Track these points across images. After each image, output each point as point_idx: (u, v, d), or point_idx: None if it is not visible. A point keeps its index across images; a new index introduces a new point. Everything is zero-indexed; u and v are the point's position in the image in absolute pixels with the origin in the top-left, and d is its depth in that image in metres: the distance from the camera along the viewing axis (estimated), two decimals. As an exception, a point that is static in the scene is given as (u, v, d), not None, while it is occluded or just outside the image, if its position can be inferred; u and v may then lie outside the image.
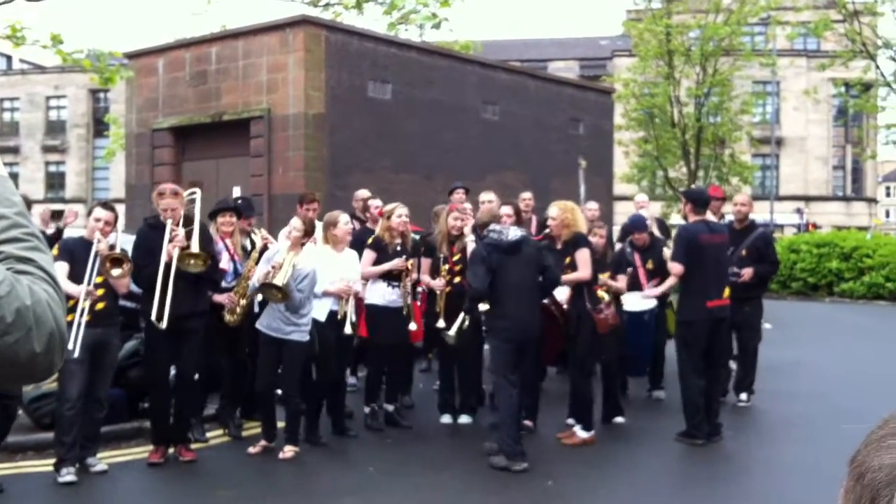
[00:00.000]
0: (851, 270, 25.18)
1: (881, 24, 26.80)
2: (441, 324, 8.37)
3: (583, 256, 7.95)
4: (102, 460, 7.08)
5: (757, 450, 7.94)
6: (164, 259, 7.00)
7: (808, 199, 45.52)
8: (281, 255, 7.48)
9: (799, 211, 43.28)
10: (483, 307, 7.45)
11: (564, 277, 7.99)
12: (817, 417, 9.05)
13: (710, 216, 8.53)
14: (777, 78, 37.22)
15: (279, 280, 7.27)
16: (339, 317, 8.03)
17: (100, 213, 6.95)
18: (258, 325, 7.62)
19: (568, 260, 7.97)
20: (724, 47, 28.82)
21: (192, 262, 7.11)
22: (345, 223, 8.14)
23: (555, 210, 8.09)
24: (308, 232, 7.68)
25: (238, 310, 7.92)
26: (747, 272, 9.29)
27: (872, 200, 48.97)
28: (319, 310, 7.88)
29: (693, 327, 7.99)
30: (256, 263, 7.85)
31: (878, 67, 25.72)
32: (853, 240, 25.96)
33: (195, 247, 7.18)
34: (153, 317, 6.95)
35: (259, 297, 7.89)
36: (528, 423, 8.20)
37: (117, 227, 7.22)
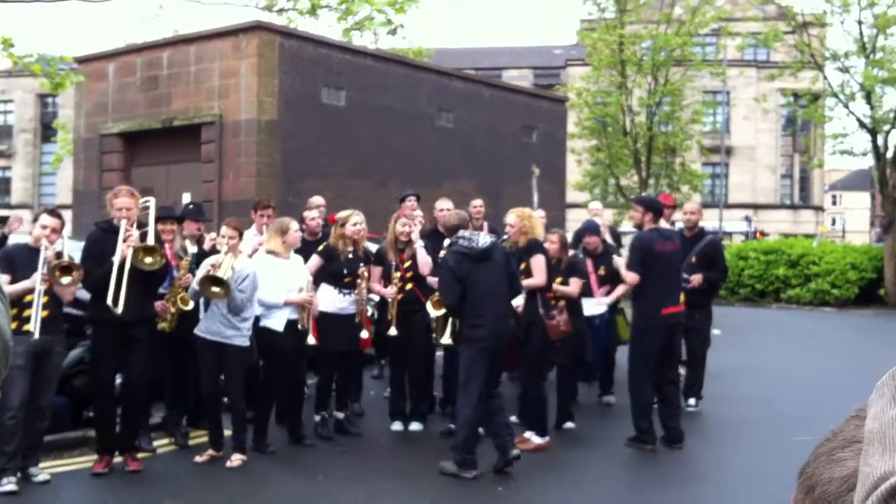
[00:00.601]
0: (798, 277, 25.60)
1: (829, 35, 27.29)
2: (393, 331, 8.35)
3: (538, 263, 7.98)
4: (45, 470, 6.93)
5: (706, 454, 8.03)
6: (117, 259, 6.88)
7: (756, 206, 46.17)
8: (219, 257, 7.43)
9: (747, 219, 43.89)
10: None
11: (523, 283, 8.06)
12: (764, 423, 9.17)
13: (662, 224, 8.61)
14: (727, 88, 37.74)
15: (221, 273, 7.21)
16: (299, 326, 7.97)
17: (46, 219, 6.83)
18: (196, 330, 7.52)
19: (523, 266, 8.00)
20: (675, 57, 29.16)
21: (147, 259, 6.99)
22: (295, 230, 8.10)
23: (513, 217, 8.11)
24: (241, 233, 7.63)
25: (169, 316, 7.81)
26: (696, 279, 9.40)
27: (819, 208, 49.82)
28: (277, 319, 7.83)
29: (648, 334, 8.03)
30: (189, 271, 7.78)
31: (825, 78, 26.17)
32: (800, 247, 26.40)
33: (150, 240, 7.11)
34: (109, 301, 6.81)
35: (189, 305, 7.81)
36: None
37: (63, 234, 7.10)
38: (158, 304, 7.71)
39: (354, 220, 8.42)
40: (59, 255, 6.78)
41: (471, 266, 7.18)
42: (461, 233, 7.40)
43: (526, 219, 8.10)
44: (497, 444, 7.16)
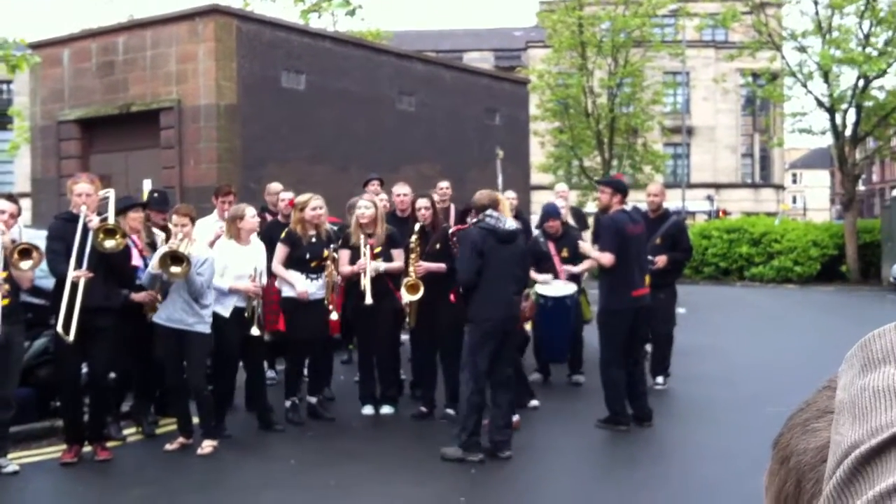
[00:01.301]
0: (761, 255, 25.90)
1: (786, 15, 27.52)
2: (368, 300, 8.25)
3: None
4: (13, 461, 6.83)
5: (673, 432, 8.07)
6: (68, 283, 6.73)
7: (718, 186, 46.56)
8: (174, 242, 7.31)
9: (710, 198, 44.26)
10: None
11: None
12: (728, 400, 9.25)
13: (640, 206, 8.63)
14: (686, 68, 37.96)
15: (183, 248, 7.10)
16: (246, 314, 7.88)
17: (3, 204, 6.70)
18: (155, 318, 7.43)
19: None
20: (634, 38, 29.30)
21: (108, 242, 6.86)
22: (251, 216, 8.00)
23: (508, 197, 8.13)
24: (193, 219, 7.53)
25: (158, 306, 7.71)
26: (661, 259, 9.43)
27: (780, 187, 50.34)
28: (225, 305, 7.75)
29: (618, 316, 8.02)
30: None
31: (783, 57, 26.40)
32: (762, 225, 26.71)
33: (111, 220, 7.00)
34: (59, 328, 6.71)
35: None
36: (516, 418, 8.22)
37: (19, 222, 6.96)
38: (145, 295, 7.61)
39: (313, 205, 8.34)
40: (14, 241, 6.64)
41: (493, 245, 7.14)
42: (490, 212, 7.29)
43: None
44: (491, 439, 7.12)
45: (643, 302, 8.21)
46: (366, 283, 8.31)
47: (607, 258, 7.96)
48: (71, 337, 6.72)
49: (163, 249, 7.29)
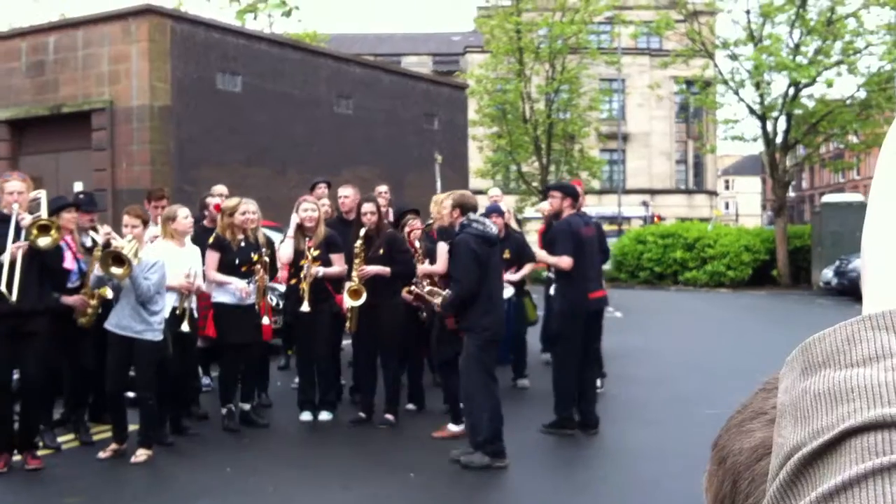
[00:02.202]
0: (695, 260, 26.32)
1: (719, 23, 28.01)
2: (305, 307, 8.17)
3: (442, 249, 7.96)
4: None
5: (609, 433, 8.12)
6: (7, 255, 6.55)
7: (653, 192, 47.23)
8: (121, 243, 7.16)
9: (645, 204, 44.87)
10: None
11: (421, 269, 8.02)
12: (664, 401, 9.37)
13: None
14: (622, 76, 38.46)
15: (128, 251, 6.94)
16: (177, 312, 7.76)
17: None
18: (107, 325, 7.25)
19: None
20: (571, 45, 29.59)
21: (41, 240, 6.67)
22: (184, 217, 7.86)
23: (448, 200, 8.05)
24: (145, 221, 7.39)
25: (90, 310, 7.53)
26: None
27: (713, 193, 51.27)
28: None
29: (575, 319, 8.01)
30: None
31: (716, 65, 26.89)
32: (696, 231, 27.15)
33: (44, 215, 6.82)
34: (2, 287, 6.49)
35: (109, 294, 7.52)
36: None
37: None
38: (76, 299, 7.42)
39: (243, 209, 8.22)
40: None
41: (487, 251, 7.08)
42: (471, 216, 7.19)
43: (435, 206, 8.18)
44: (479, 443, 7.07)
45: (600, 305, 8.29)
46: (304, 287, 8.22)
47: (566, 262, 7.92)
48: (14, 296, 6.52)
49: (105, 252, 7.11)
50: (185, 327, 7.76)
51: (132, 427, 7.43)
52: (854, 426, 0.51)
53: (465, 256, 7.00)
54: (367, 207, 8.38)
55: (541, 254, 8.97)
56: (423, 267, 8.05)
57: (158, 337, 7.27)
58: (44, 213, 7.08)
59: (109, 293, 7.49)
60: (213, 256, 8.17)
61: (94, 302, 7.52)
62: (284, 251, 8.43)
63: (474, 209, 7.35)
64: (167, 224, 7.83)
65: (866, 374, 0.52)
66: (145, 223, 7.39)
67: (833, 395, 0.53)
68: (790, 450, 0.54)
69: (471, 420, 7.13)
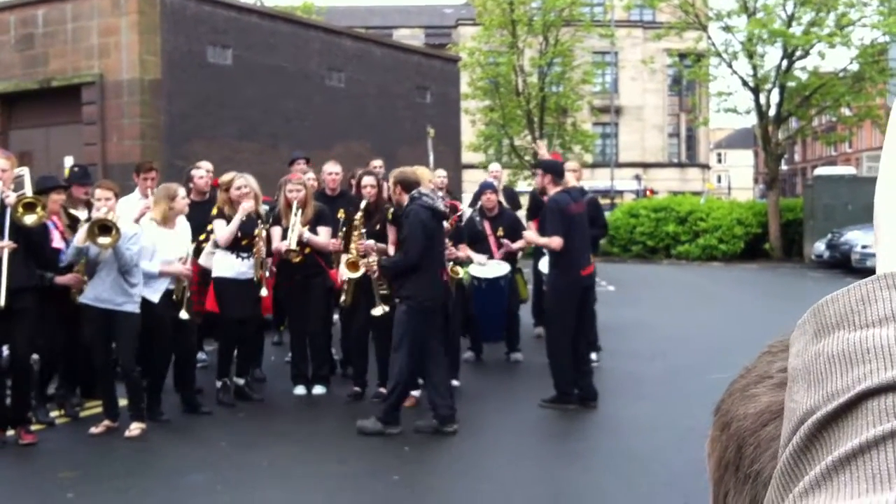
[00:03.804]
0: (687, 233, 26.35)
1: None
2: (290, 244, 8.15)
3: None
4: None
5: (603, 407, 8.15)
6: None
7: (645, 165, 47.22)
8: (99, 215, 7.07)
9: (637, 177, 44.87)
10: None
11: (369, 245, 8.13)
12: (658, 373, 9.41)
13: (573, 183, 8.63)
14: (615, 48, 38.30)
15: (111, 217, 6.90)
16: (174, 297, 7.73)
17: None
18: (82, 298, 7.22)
19: None
20: (564, 18, 29.45)
21: (27, 217, 6.63)
22: (182, 196, 7.81)
23: (438, 176, 8.13)
24: (117, 194, 7.32)
25: (84, 287, 7.49)
26: None
27: (705, 166, 51.27)
28: (154, 289, 7.56)
29: (566, 296, 8.01)
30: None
31: (709, 38, 26.80)
32: (688, 204, 27.16)
33: (28, 192, 6.78)
34: None
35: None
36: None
37: None
38: (70, 277, 7.39)
39: (237, 184, 8.21)
40: None
41: (434, 225, 7.20)
42: (422, 189, 7.29)
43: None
44: (438, 414, 7.15)
45: (591, 281, 8.31)
46: (292, 236, 8.18)
47: (556, 242, 7.88)
48: (1, 301, 6.51)
49: (87, 225, 7.06)
50: (183, 314, 7.74)
51: (124, 402, 7.43)
52: (870, 388, 0.50)
53: (415, 226, 7.14)
54: (368, 181, 8.37)
55: (530, 234, 8.94)
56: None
57: (137, 309, 7.24)
58: (28, 190, 7.02)
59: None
60: (221, 224, 8.17)
61: (86, 278, 7.49)
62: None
63: (416, 184, 7.39)
64: (164, 203, 7.69)
65: (882, 335, 0.51)
66: (117, 196, 7.33)
67: (847, 356, 0.52)
68: (804, 414, 0.53)
69: (391, 385, 7.29)
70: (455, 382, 8.66)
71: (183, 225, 7.91)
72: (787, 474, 0.52)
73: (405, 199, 7.29)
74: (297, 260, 8.27)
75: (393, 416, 7.12)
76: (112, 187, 7.34)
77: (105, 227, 6.90)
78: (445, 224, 7.80)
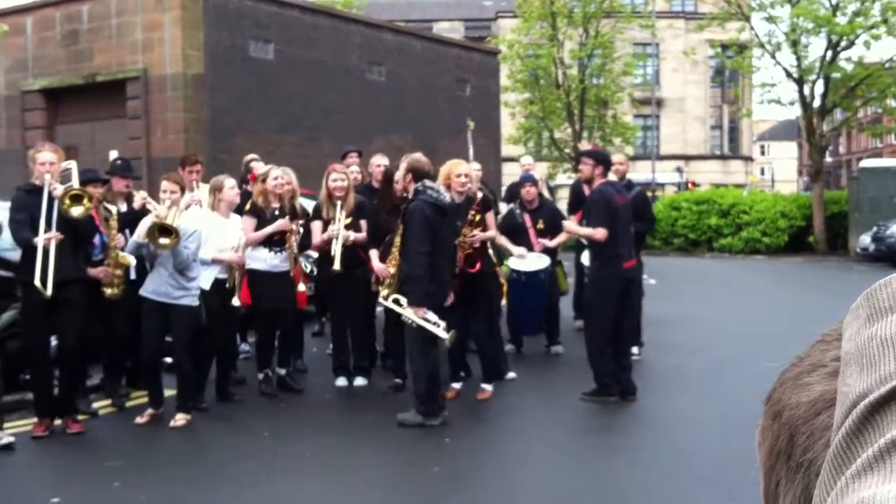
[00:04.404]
0: (730, 226, 26.07)
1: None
2: (337, 266, 8.18)
3: (491, 217, 8.12)
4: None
5: (645, 400, 8.11)
6: (41, 242, 6.62)
7: (687, 158, 46.78)
8: (162, 211, 7.22)
9: (679, 170, 44.47)
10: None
11: (480, 235, 8.02)
12: (701, 367, 9.33)
13: (612, 177, 8.58)
14: (656, 40, 37.98)
15: (171, 220, 7.01)
16: (227, 286, 7.83)
17: None
18: (142, 291, 7.33)
19: (477, 218, 8.02)
20: (605, 9, 29.23)
21: (74, 209, 6.75)
22: (230, 187, 7.90)
23: (472, 169, 8.10)
24: (183, 188, 7.44)
25: (115, 280, 7.60)
26: None
27: (748, 158, 50.69)
28: (205, 277, 7.66)
29: (608, 289, 7.94)
30: (118, 231, 7.58)
31: (752, 28, 26.45)
32: (731, 197, 26.86)
33: (76, 185, 6.90)
34: (37, 281, 6.60)
35: (132, 261, 7.59)
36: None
37: None
38: (100, 271, 7.50)
39: (274, 174, 8.26)
40: None
41: (438, 221, 7.04)
42: (427, 183, 7.11)
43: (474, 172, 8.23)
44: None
45: (633, 274, 8.24)
46: (337, 249, 8.25)
47: (601, 233, 7.80)
48: (48, 291, 6.62)
49: (151, 219, 7.18)
50: (235, 301, 7.83)
51: (169, 392, 7.53)
52: None
53: (419, 225, 6.92)
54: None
55: (570, 225, 8.90)
56: (482, 235, 8.06)
57: (195, 303, 7.34)
58: (75, 183, 7.14)
59: (131, 259, 7.55)
60: (250, 222, 8.24)
61: (118, 272, 7.59)
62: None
63: (428, 175, 7.25)
64: (214, 195, 7.88)
65: None
66: (182, 190, 7.45)
67: None
68: (856, 397, 0.53)
69: (413, 380, 7.28)
70: (511, 374, 8.73)
71: (234, 216, 8.02)
72: (840, 457, 0.52)
73: (411, 189, 7.14)
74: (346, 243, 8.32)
75: (431, 407, 7.12)
76: (178, 181, 7.47)
77: (165, 230, 7.01)
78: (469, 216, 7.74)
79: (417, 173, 7.16)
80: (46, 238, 6.67)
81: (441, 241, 7.09)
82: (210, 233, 7.61)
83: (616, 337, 8.02)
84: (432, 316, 7.04)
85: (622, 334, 8.18)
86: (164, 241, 7.03)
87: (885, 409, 0.51)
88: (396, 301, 7.20)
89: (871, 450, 0.50)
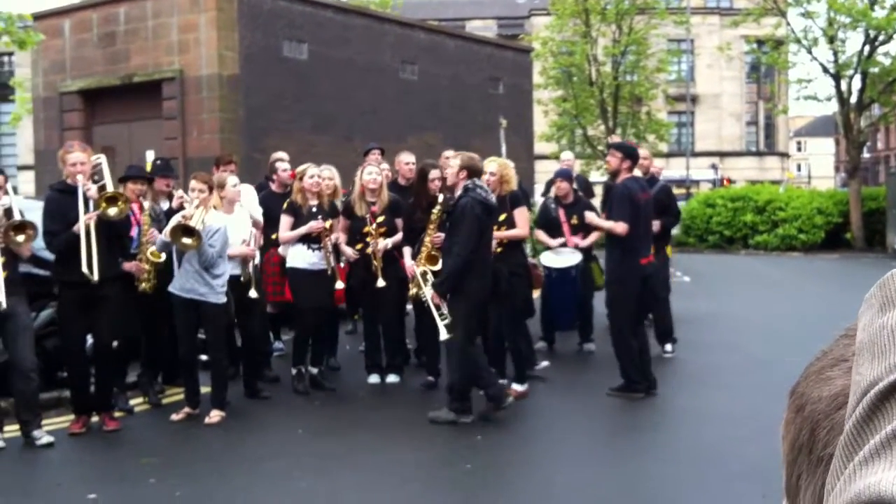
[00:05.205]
0: (765, 223, 25.82)
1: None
2: (380, 283, 8.27)
3: (522, 214, 8.08)
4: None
5: (678, 398, 8.09)
6: (82, 227, 6.73)
7: (722, 154, 46.36)
8: (190, 210, 7.32)
9: (714, 166, 44.08)
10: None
11: (505, 234, 8.02)
12: (733, 367, 9.27)
13: (637, 173, 8.55)
14: (691, 36, 37.68)
15: (197, 218, 7.11)
16: (242, 280, 7.89)
17: None
18: (171, 288, 7.42)
19: (503, 216, 7.95)
20: (638, 6, 29.07)
21: (110, 210, 6.85)
22: (232, 184, 7.94)
23: (494, 166, 8.04)
24: (211, 187, 7.52)
25: (146, 275, 7.70)
26: (655, 224, 9.35)
27: (784, 155, 50.13)
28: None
29: (627, 285, 7.98)
30: (150, 226, 7.69)
31: (788, 24, 26.20)
32: (767, 193, 26.61)
33: (109, 188, 6.99)
34: (84, 268, 6.70)
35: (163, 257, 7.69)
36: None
37: (9, 190, 6.94)
38: (132, 265, 7.59)
39: (311, 173, 8.33)
40: (7, 211, 6.63)
41: (485, 219, 7.14)
42: (476, 181, 7.16)
43: (505, 168, 8.14)
44: (490, 394, 7.18)
45: (650, 269, 8.22)
46: (377, 265, 8.31)
47: (622, 227, 7.84)
48: (95, 276, 6.72)
49: (176, 219, 7.28)
50: (252, 293, 7.89)
51: (204, 390, 7.61)
52: None
53: (469, 222, 6.96)
54: (436, 174, 8.40)
55: (592, 217, 8.90)
56: (507, 233, 8.05)
57: (222, 300, 7.41)
58: (107, 178, 7.23)
59: (162, 256, 7.64)
60: (287, 220, 8.31)
61: (148, 267, 7.69)
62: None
63: (480, 174, 7.31)
64: (217, 192, 7.91)
65: None
66: (211, 189, 7.52)
67: None
68: (867, 385, 0.53)
69: (450, 376, 7.28)
70: (544, 363, 8.88)
71: (241, 212, 8.09)
72: (850, 444, 0.53)
73: (461, 186, 7.15)
74: (377, 249, 8.38)
75: (464, 405, 7.14)
76: (207, 180, 7.57)
77: (189, 230, 7.11)
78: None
79: (472, 171, 7.22)
80: (87, 217, 6.75)
81: (486, 239, 7.23)
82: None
83: (637, 331, 8.05)
84: (444, 308, 7.13)
85: (641, 328, 8.23)
86: (186, 240, 7.14)
87: (894, 396, 0.51)
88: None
89: (878, 436, 0.51)
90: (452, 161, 7.42)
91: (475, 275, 7.11)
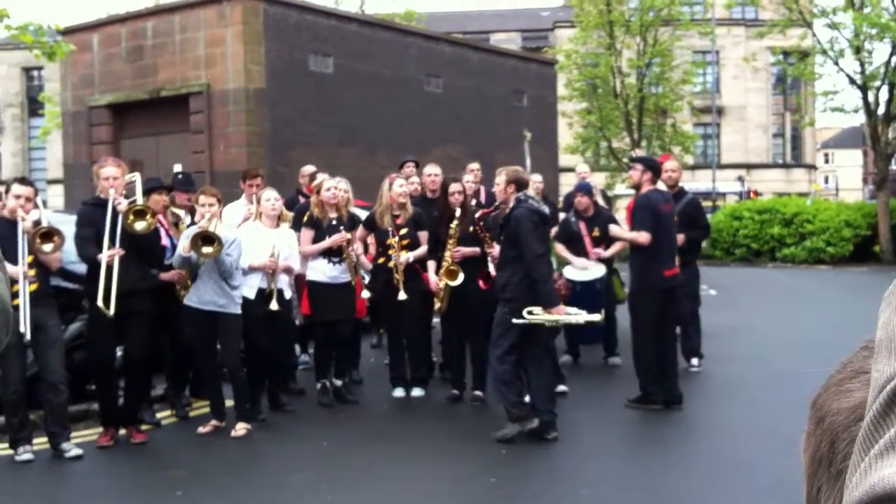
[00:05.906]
0: (793, 236, 25.63)
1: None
2: (402, 295, 8.28)
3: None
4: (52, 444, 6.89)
5: (704, 412, 8.04)
6: (104, 260, 6.79)
7: (749, 166, 46.08)
8: (203, 223, 7.35)
9: (740, 179, 43.82)
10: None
11: (464, 251, 8.09)
12: (759, 380, 9.20)
13: (661, 185, 8.53)
14: (716, 47, 37.55)
15: (213, 228, 7.15)
16: (266, 293, 7.92)
17: (18, 189, 6.73)
18: (187, 301, 7.46)
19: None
20: (663, 17, 29.02)
21: (138, 224, 6.91)
22: (266, 200, 7.99)
23: (503, 176, 8.02)
24: (219, 200, 7.57)
25: (189, 283, 7.77)
26: (680, 237, 9.30)
27: (812, 167, 49.76)
28: (249, 287, 7.78)
29: (650, 297, 7.95)
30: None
31: (814, 35, 26.05)
32: (794, 206, 26.42)
33: (139, 198, 7.07)
34: (99, 301, 6.77)
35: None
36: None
37: (38, 202, 7.02)
38: (173, 274, 7.67)
39: (328, 185, 8.34)
40: (37, 223, 6.70)
41: (541, 227, 7.18)
42: (528, 192, 7.24)
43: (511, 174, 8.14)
44: (540, 420, 7.09)
45: (674, 282, 8.16)
46: (399, 278, 8.33)
47: (644, 237, 7.86)
48: (111, 311, 6.77)
49: (193, 231, 7.33)
50: (273, 306, 7.92)
51: (230, 403, 7.64)
52: None
53: (529, 231, 6.98)
54: (455, 188, 8.41)
55: (616, 229, 8.89)
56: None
57: (239, 311, 7.46)
58: (139, 196, 7.30)
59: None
60: (307, 234, 8.35)
61: (185, 273, 7.76)
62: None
63: (527, 186, 7.34)
64: (259, 206, 8.07)
65: None
66: (220, 201, 7.58)
67: None
68: (884, 381, 0.54)
69: (495, 391, 7.21)
70: (562, 388, 8.52)
71: (284, 228, 8.15)
72: (867, 439, 0.53)
73: (512, 199, 7.19)
74: (401, 263, 8.40)
75: (521, 410, 7.06)
76: (215, 193, 7.61)
77: (208, 238, 7.15)
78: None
79: (519, 183, 7.25)
80: (109, 255, 6.81)
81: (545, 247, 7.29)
82: (252, 242, 7.75)
83: (661, 345, 7.98)
84: (571, 309, 7.24)
85: (668, 341, 8.13)
86: (207, 249, 7.16)
87: None
88: (529, 313, 7.07)
89: (893, 430, 0.51)
90: (498, 178, 7.44)
91: (527, 283, 7.04)
